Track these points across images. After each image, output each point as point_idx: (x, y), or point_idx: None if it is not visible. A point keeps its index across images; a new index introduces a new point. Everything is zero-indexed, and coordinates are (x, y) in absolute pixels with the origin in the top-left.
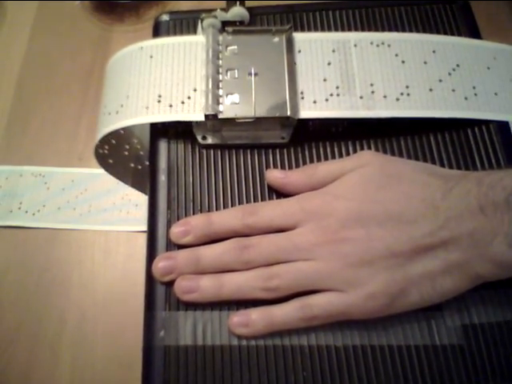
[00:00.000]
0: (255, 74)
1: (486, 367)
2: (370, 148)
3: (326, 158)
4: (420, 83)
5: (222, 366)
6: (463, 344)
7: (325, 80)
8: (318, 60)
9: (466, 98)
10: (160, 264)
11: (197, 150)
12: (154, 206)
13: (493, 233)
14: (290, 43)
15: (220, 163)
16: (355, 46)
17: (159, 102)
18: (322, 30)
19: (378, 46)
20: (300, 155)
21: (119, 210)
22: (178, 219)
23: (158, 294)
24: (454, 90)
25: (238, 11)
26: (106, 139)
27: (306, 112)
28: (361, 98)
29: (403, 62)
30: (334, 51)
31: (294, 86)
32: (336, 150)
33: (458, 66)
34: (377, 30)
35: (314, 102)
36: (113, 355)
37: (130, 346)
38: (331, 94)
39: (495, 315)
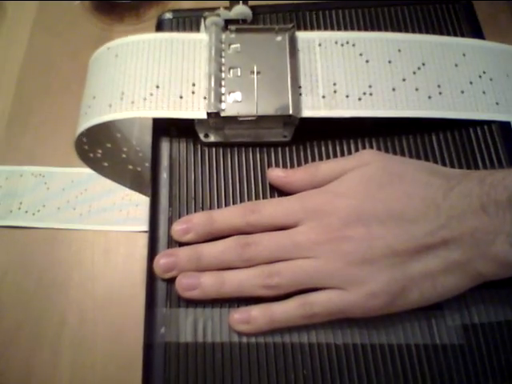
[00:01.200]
0: (258, 73)
1: (486, 367)
2: (371, 147)
3: (328, 157)
4: (383, 83)
5: (223, 363)
6: (463, 343)
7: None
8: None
9: (429, 97)
10: (161, 261)
11: (199, 147)
12: (155, 203)
13: (494, 232)
14: (292, 42)
15: (222, 161)
16: (319, 45)
17: (121, 99)
18: (325, 29)
19: (342, 45)
20: (302, 154)
21: (119, 210)
22: (180, 217)
23: (159, 291)
24: (417, 89)
25: (240, 10)
26: (92, 141)
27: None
28: (323, 97)
29: (367, 61)
30: (299, 50)
31: (296, 84)
32: (338, 148)
33: (423, 64)
34: (379, 29)
35: None
36: (113, 355)
37: (130, 346)
38: (300, 94)
39: (496, 315)
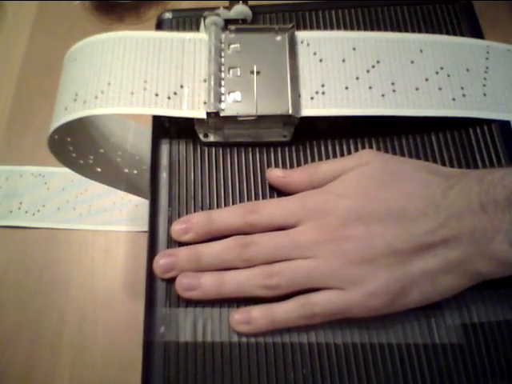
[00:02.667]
0: (257, 73)
1: (485, 366)
2: (371, 147)
3: (328, 157)
4: (336, 82)
5: (222, 363)
6: (463, 343)
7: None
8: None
9: (382, 95)
10: (161, 261)
11: (198, 147)
12: (155, 203)
13: (493, 231)
14: (292, 42)
15: (221, 161)
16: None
17: (75, 100)
18: (325, 28)
19: (302, 42)
20: (301, 154)
21: (119, 210)
22: (179, 217)
23: (159, 291)
24: (370, 88)
25: (240, 9)
26: (79, 149)
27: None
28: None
29: (321, 60)
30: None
31: (296, 84)
32: (337, 148)
33: (378, 62)
34: (379, 29)
35: None
36: (113, 355)
37: (129, 345)
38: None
39: (495, 314)
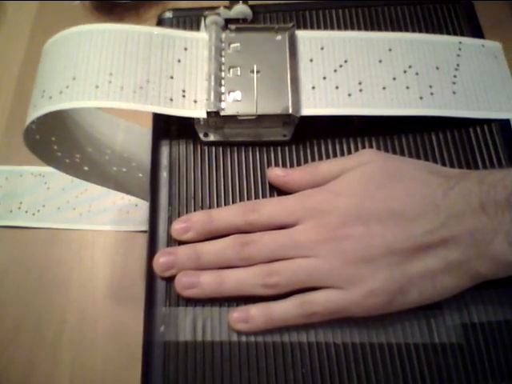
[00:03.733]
0: (257, 72)
1: (485, 366)
2: (371, 146)
3: (328, 157)
4: (303, 82)
5: (221, 362)
6: (462, 343)
7: (207, 81)
8: (204, 60)
9: (349, 95)
10: (161, 259)
11: (198, 146)
12: (155, 202)
13: (494, 231)
14: (292, 41)
15: (221, 160)
16: None
17: (42, 97)
18: (325, 28)
19: None
20: (301, 153)
21: (119, 210)
22: (179, 216)
23: (159, 290)
24: (337, 88)
25: (241, 9)
26: (64, 147)
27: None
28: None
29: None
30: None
31: (296, 83)
32: (337, 148)
33: (345, 61)
34: (379, 28)
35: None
36: (113, 355)
37: (129, 345)
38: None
39: (495, 314)
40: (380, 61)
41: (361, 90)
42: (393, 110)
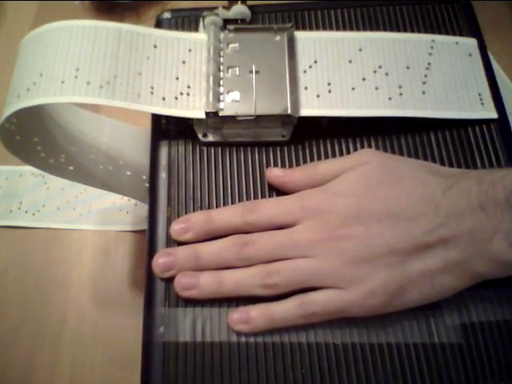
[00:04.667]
0: (256, 72)
1: (484, 366)
2: (370, 146)
3: (327, 157)
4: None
5: (221, 363)
6: (462, 343)
7: (177, 78)
8: (173, 58)
9: (318, 96)
10: (160, 260)
11: (197, 147)
12: (154, 202)
13: (493, 231)
14: (291, 41)
15: (220, 161)
16: None
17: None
18: (324, 28)
19: None
20: (300, 153)
21: (119, 210)
22: (178, 216)
23: (158, 291)
24: (306, 88)
25: (239, 9)
26: (47, 148)
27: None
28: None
29: (315, 61)
30: (190, 51)
31: (295, 84)
32: (336, 148)
33: (315, 62)
34: (378, 28)
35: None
36: (113, 355)
37: (129, 346)
38: (181, 93)
39: (494, 314)
40: (350, 61)
41: (330, 91)
42: (361, 110)
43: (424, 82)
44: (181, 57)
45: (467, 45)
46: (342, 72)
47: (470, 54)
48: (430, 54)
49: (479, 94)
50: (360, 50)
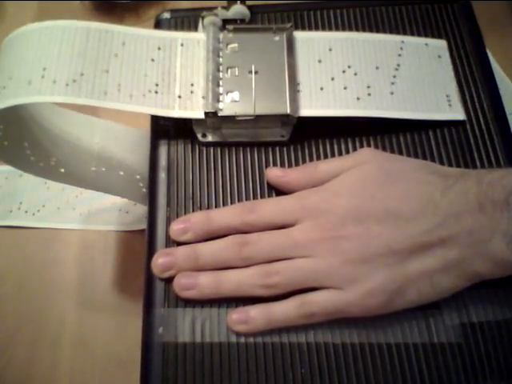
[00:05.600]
0: (255, 72)
1: (484, 366)
2: (369, 146)
3: (326, 156)
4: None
5: (220, 363)
6: (461, 342)
7: (145, 75)
8: (142, 56)
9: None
10: (159, 260)
11: (197, 147)
12: (153, 202)
13: (492, 231)
14: (290, 42)
15: (220, 161)
16: (182, 45)
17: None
18: (323, 28)
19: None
20: (300, 153)
21: (119, 210)
22: (178, 216)
23: (157, 291)
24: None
25: (238, 9)
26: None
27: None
28: (179, 97)
29: (320, 61)
30: (159, 49)
31: (294, 84)
32: (336, 148)
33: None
34: (377, 28)
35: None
36: (113, 355)
37: (129, 346)
38: (150, 91)
39: (494, 314)
40: (319, 61)
41: (299, 91)
42: (329, 110)
43: (392, 83)
44: (150, 54)
45: (437, 46)
46: (311, 72)
47: (440, 56)
48: (400, 55)
49: (447, 96)
50: (330, 49)
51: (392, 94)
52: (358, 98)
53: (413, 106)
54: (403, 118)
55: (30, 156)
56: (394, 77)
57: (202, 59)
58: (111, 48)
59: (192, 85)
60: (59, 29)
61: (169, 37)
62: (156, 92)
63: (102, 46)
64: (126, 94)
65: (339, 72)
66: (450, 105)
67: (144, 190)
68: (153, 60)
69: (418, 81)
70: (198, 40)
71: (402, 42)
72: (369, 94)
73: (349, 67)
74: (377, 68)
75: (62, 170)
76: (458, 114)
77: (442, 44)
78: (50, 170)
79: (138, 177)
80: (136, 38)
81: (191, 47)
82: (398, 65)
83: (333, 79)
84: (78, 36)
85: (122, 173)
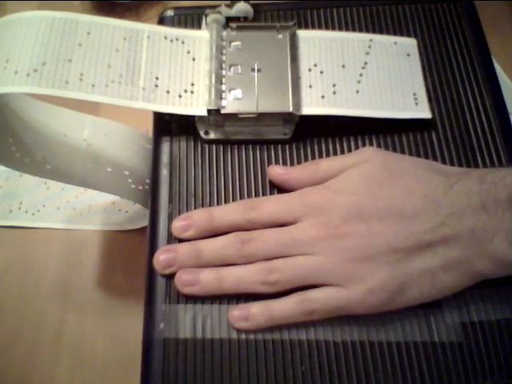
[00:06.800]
0: (258, 70)
1: (484, 365)
2: (371, 144)
3: (328, 155)
4: (207, 81)
5: (221, 359)
6: (462, 341)
7: (109, 66)
8: (107, 46)
9: (322, 96)
10: (161, 257)
11: (199, 144)
12: (155, 200)
13: (494, 230)
14: (293, 40)
15: (222, 158)
16: (148, 37)
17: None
18: (326, 27)
19: (171, 41)
20: (302, 151)
21: (119, 210)
22: (180, 213)
23: (159, 287)
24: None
25: (242, 7)
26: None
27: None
28: (143, 89)
29: (194, 59)
30: (125, 39)
31: (297, 82)
32: (338, 146)
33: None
34: (381, 27)
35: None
36: (113, 355)
37: (129, 345)
38: (113, 81)
39: (494, 313)
40: None
41: (334, 92)
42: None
43: (359, 81)
44: (115, 45)
45: (406, 45)
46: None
47: (409, 54)
48: (368, 53)
49: (414, 94)
50: (297, 48)
51: (358, 92)
52: (323, 97)
53: (378, 105)
54: (368, 117)
55: (16, 153)
56: (361, 75)
57: (167, 54)
58: (75, 37)
59: (157, 78)
60: (25, 20)
61: (135, 28)
62: (119, 82)
63: (66, 36)
64: (87, 83)
65: (305, 70)
66: (416, 103)
67: (133, 186)
68: (117, 50)
69: (384, 79)
70: (164, 34)
71: (371, 40)
72: (334, 93)
73: (315, 65)
74: (343, 66)
75: (48, 167)
76: (425, 113)
77: (411, 42)
78: (37, 166)
79: (126, 173)
80: (101, 27)
81: (158, 40)
82: (366, 63)
83: (299, 78)
84: (43, 26)
85: (109, 169)
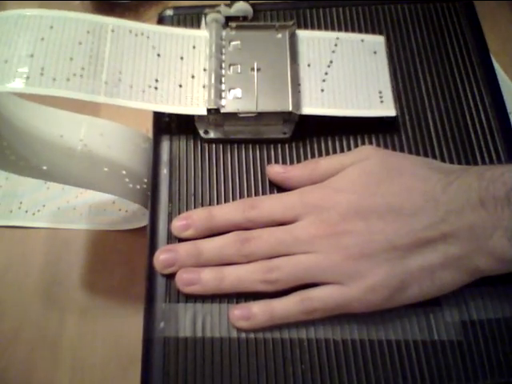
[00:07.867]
0: (258, 70)
1: (484, 363)
2: (370, 143)
3: (328, 153)
4: (171, 78)
5: (221, 358)
6: (461, 340)
7: (71, 59)
8: (69, 39)
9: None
10: (161, 256)
11: (199, 144)
12: (155, 199)
13: (493, 227)
14: (293, 39)
15: (222, 157)
16: (112, 31)
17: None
18: (326, 27)
19: (136, 35)
20: (301, 150)
21: (118, 210)
22: (180, 213)
23: (159, 286)
24: (204, 87)
25: (241, 7)
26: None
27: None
28: (105, 83)
29: (159, 55)
30: (88, 32)
31: (296, 81)
32: (337, 145)
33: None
34: (380, 27)
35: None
36: (113, 355)
37: (130, 345)
38: (74, 74)
39: (494, 311)
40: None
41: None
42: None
43: (324, 80)
44: (78, 38)
45: (373, 42)
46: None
47: (375, 52)
48: (334, 51)
49: (380, 92)
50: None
51: (322, 91)
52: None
53: (343, 103)
54: (333, 116)
55: (10, 156)
56: (326, 74)
57: (132, 48)
58: (38, 32)
59: (120, 72)
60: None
61: (99, 21)
62: (81, 76)
63: (30, 31)
64: (48, 77)
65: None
66: (381, 101)
67: (130, 185)
68: (80, 43)
69: (350, 77)
70: (129, 29)
71: (337, 38)
72: (298, 92)
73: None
74: (308, 65)
75: (45, 168)
76: (390, 111)
77: (378, 40)
78: (32, 168)
79: (123, 172)
80: (64, 21)
81: (122, 34)
82: (331, 61)
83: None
84: (7, 24)
85: (106, 169)
